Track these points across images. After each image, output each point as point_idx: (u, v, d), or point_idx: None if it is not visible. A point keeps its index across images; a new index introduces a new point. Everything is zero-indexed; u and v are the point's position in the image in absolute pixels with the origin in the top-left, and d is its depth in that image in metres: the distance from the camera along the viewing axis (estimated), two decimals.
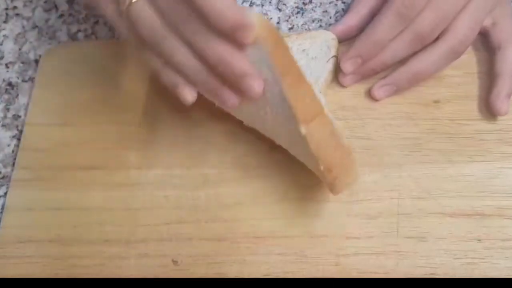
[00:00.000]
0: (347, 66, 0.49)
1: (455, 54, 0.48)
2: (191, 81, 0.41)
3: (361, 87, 0.51)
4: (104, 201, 0.48)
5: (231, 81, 0.40)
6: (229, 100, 0.41)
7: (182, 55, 0.40)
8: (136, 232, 0.47)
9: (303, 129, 0.40)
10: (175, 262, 0.46)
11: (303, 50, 0.49)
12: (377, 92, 0.50)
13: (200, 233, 0.47)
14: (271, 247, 0.46)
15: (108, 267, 0.46)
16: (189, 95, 0.42)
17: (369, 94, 0.50)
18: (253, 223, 0.47)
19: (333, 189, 0.43)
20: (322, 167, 0.41)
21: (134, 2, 0.40)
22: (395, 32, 0.47)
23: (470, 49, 0.51)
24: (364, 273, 0.44)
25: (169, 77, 0.42)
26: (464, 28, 0.47)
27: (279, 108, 0.41)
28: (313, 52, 0.49)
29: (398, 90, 0.50)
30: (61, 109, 0.52)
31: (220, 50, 0.39)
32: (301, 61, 0.48)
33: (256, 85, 0.39)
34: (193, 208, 0.48)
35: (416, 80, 0.49)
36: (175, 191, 0.48)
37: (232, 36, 0.38)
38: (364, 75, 0.50)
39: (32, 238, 0.47)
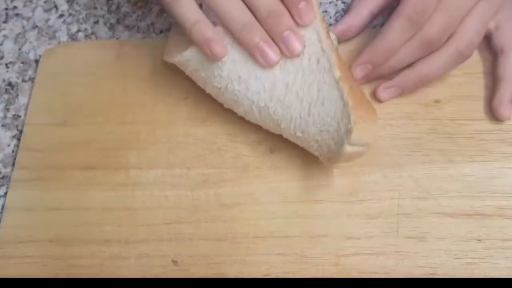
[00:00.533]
0: (358, 71, 0.50)
1: (462, 57, 0.48)
2: (236, 32, 0.44)
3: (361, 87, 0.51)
4: (104, 201, 0.48)
5: (276, 36, 0.44)
6: (270, 54, 0.44)
7: (234, 4, 0.44)
8: (136, 232, 0.47)
9: (338, 72, 0.44)
10: (175, 262, 0.46)
11: None
12: (382, 94, 0.50)
13: (200, 233, 0.47)
14: (271, 247, 0.46)
15: (108, 267, 0.46)
16: (221, 49, 0.44)
17: (373, 95, 0.50)
18: (253, 223, 0.47)
19: (348, 137, 0.42)
20: (351, 104, 0.43)
21: None
22: (406, 38, 0.47)
23: None
24: (364, 273, 0.44)
25: (202, 31, 0.44)
26: (470, 31, 0.47)
27: (314, 65, 0.45)
28: None
29: (403, 92, 0.50)
30: (61, 109, 0.52)
31: (272, 3, 0.44)
32: None
33: (299, 43, 0.44)
34: (193, 208, 0.48)
35: (422, 83, 0.49)
36: (175, 191, 0.48)
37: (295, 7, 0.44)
38: (370, 79, 0.50)
39: (32, 238, 0.47)
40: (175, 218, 0.47)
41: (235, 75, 0.45)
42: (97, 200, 0.48)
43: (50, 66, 0.55)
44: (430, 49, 0.47)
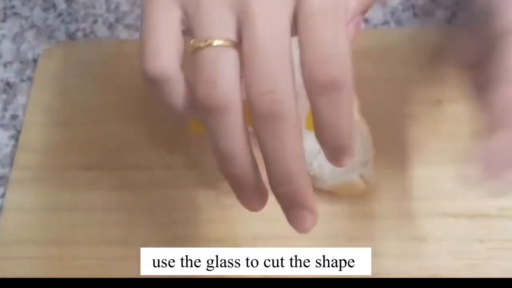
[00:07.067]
0: None
1: None
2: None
3: (361, 88, 0.50)
4: (104, 201, 0.48)
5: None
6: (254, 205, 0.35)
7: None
8: (136, 232, 0.47)
9: (357, 115, 0.46)
10: None
11: None
12: None
13: (200, 233, 0.47)
14: (271, 247, 0.46)
15: (108, 267, 0.46)
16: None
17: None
18: (253, 223, 0.46)
19: (362, 168, 0.44)
20: (371, 140, 0.45)
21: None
22: None
23: None
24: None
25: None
26: None
27: None
28: None
29: None
30: (60, 109, 0.52)
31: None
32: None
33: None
34: (193, 208, 0.47)
35: None
36: (175, 191, 0.48)
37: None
38: None
39: (32, 238, 0.47)
40: (175, 218, 0.47)
41: None
42: (97, 200, 0.48)
43: (48, 65, 0.55)
44: None
